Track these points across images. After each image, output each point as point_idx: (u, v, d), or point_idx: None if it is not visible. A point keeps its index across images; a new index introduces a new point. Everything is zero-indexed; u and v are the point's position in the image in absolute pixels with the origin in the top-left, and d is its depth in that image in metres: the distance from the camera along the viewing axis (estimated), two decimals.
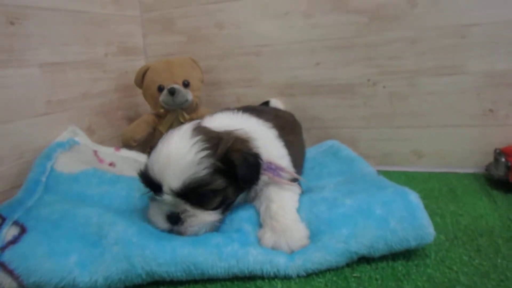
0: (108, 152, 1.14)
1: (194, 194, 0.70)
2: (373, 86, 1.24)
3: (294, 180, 0.84)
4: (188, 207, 0.71)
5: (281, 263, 0.66)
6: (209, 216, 0.73)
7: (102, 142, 1.26)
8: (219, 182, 0.71)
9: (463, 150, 1.18)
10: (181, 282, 0.68)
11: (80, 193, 0.90)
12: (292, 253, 0.69)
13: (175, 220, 0.72)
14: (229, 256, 0.66)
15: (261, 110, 1.03)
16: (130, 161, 1.14)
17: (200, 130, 0.74)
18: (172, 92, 1.20)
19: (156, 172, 0.70)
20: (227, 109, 0.93)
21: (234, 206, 0.80)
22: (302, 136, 1.15)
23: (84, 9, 1.24)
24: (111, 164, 1.11)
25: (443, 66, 1.15)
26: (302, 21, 1.28)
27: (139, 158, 1.16)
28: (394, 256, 0.71)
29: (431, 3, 1.13)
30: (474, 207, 0.90)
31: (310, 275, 0.68)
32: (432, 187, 1.04)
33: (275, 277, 0.67)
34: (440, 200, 0.96)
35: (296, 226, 0.72)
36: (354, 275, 0.68)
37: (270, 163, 0.79)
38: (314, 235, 0.72)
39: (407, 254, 0.72)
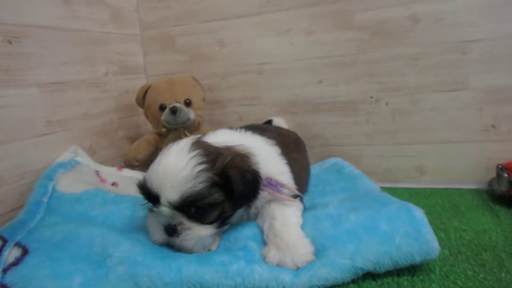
0: (110, 172, 1.16)
1: (191, 207, 0.73)
2: (375, 103, 1.29)
3: (296, 196, 0.86)
4: (184, 220, 0.73)
5: (286, 280, 0.68)
6: (204, 230, 0.75)
7: (103, 162, 1.28)
8: (216, 196, 0.73)
9: (465, 166, 1.22)
10: None
11: (83, 214, 0.92)
12: (297, 269, 0.71)
13: (171, 232, 0.74)
14: (235, 274, 0.68)
15: (264, 128, 1.07)
16: (133, 180, 1.09)
17: (199, 145, 0.77)
18: (174, 111, 1.23)
19: (154, 184, 0.72)
20: (229, 128, 0.97)
21: (236, 223, 0.82)
22: (306, 154, 1.18)
23: (84, 28, 1.28)
24: (113, 184, 1.13)
25: (445, 82, 1.20)
26: (304, 38, 1.34)
27: None
28: (399, 271, 0.74)
29: (433, 20, 1.18)
30: (477, 222, 0.94)
31: None
32: (435, 203, 1.08)
33: None
34: (444, 216, 0.99)
35: (301, 242, 0.74)
36: None
37: (270, 179, 0.81)
38: (319, 251, 0.74)
39: (412, 270, 0.75)
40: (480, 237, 0.87)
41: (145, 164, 1.32)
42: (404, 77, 1.24)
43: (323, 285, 0.70)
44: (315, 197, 1.02)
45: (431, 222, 0.77)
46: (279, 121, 1.36)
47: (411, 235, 0.73)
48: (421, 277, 0.73)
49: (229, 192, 0.75)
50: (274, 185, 0.82)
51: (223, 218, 0.78)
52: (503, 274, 0.72)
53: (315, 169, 1.22)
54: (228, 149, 0.79)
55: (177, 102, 1.27)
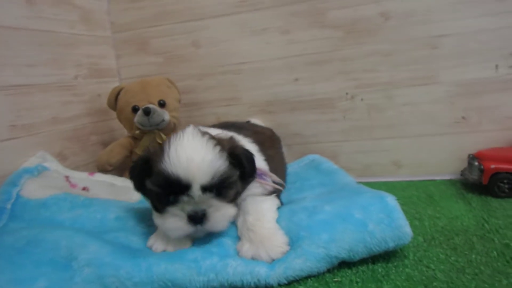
0: (81, 177, 1.15)
1: (219, 187, 0.76)
2: (351, 99, 1.35)
3: (274, 192, 0.91)
4: (214, 202, 0.76)
5: (261, 273, 0.70)
6: (231, 209, 0.79)
7: (75, 168, 1.26)
8: (235, 174, 0.79)
9: (439, 158, 1.30)
10: None
11: (49, 219, 0.92)
12: (272, 261, 0.74)
13: (199, 219, 0.75)
14: (208, 270, 0.70)
15: (240, 126, 1.11)
16: (106, 185, 1.15)
17: (201, 131, 0.81)
18: (147, 112, 1.23)
19: (182, 173, 0.73)
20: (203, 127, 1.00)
21: None
22: (281, 150, 1.24)
23: (51, 29, 1.26)
24: (84, 189, 1.12)
25: (417, 77, 1.28)
26: (279, 37, 1.39)
27: (115, 181, 1.18)
28: (374, 259, 0.79)
29: (404, 16, 1.26)
30: (450, 210, 1.01)
31: (291, 283, 0.73)
32: (411, 195, 1.15)
33: (256, 287, 0.71)
34: (419, 206, 1.06)
35: (274, 234, 0.78)
36: (335, 279, 0.74)
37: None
38: (294, 242, 0.77)
39: (386, 256, 0.80)
40: (452, 223, 0.93)
41: (119, 168, 1.34)
42: (378, 73, 1.32)
43: (298, 275, 0.72)
44: (292, 193, 1.06)
45: (406, 212, 0.82)
46: (256, 122, 1.40)
47: (384, 221, 0.78)
48: (395, 263, 0.78)
49: (237, 171, 0.81)
50: (260, 174, 0.88)
51: (238, 197, 0.83)
52: (474, 256, 0.78)
53: (294, 166, 1.28)
54: (220, 136, 0.84)
55: (150, 103, 1.28)
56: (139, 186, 0.82)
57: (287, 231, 0.80)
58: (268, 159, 0.97)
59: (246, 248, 0.76)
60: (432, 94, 1.28)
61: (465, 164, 1.20)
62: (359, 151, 1.37)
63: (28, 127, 1.16)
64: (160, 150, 0.78)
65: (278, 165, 1.07)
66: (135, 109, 1.28)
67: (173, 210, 0.76)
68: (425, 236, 0.88)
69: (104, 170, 1.28)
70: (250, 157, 0.84)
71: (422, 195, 1.14)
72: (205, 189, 0.75)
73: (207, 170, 0.74)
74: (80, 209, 0.95)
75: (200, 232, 0.78)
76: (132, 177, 0.84)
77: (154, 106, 1.27)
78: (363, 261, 0.77)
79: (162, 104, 1.30)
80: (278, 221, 0.83)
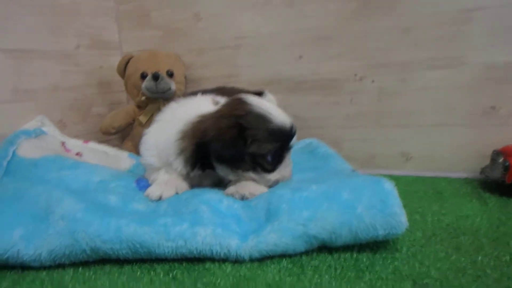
0: (76, 144, 1.26)
1: None
2: (360, 81, 1.28)
3: None
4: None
5: (232, 245, 0.71)
6: None
7: (75, 137, 1.32)
8: None
9: (456, 152, 1.20)
10: (128, 261, 0.74)
11: (39, 177, 0.99)
12: (252, 197, 0.83)
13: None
14: (177, 237, 0.72)
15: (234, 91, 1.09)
16: (99, 152, 1.26)
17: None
18: (156, 77, 1.34)
19: (290, 122, 0.89)
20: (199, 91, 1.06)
21: (206, 185, 0.95)
22: None
23: None
24: (77, 154, 1.23)
25: (439, 57, 1.18)
26: (283, 10, 1.34)
27: (108, 150, 1.29)
28: (360, 247, 0.73)
29: None
30: (460, 208, 0.93)
31: (263, 261, 0.71)
32: (417, 189, 1.07)
33: (226, 258, 0.72)
34: (424, 200, 0.98)
35: (259, 186, 0.87)
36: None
37: None
38: (272, 215, 0.75)
39: (375, 247, 0.74)
40: (460, 222, 0.86)
41: (121, 136, 1.45)
42: (393, 52, 1.23)
43: (272, 250, 0.72)
44: None
45: (407, 206, 0.76)
46: (271, 98, 1.35)
47: (376, 206, 0.72)
48: (384, 255, 0.72)
49: None
50: None
51: None
52: (480, 257, 0.71)
53: None
54: None
55: (159, 71, 1.37)
56: (239, 156, 0.86)
57: (267, 202, 0.80)
58: None
59: (231, 188, 0.87)
60: (456, 78, 1.18)
61: (486, 162, 1.10)
62: (364, 139, 1.30)
63: (29, 92, 1.25)
64: (254, 115, 0.86)
65: None
66: (143, 76, 1.38)
67: (286, 159, 0.91)
68: (425, 232, 0.82)
69: (107, 133, 1.43)
70: None
71: (429, 190, 1.07)
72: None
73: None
74: (67, 171, 1.02)
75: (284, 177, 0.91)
76: (228, 148, 0.85)
77: (162, 74, 1.38)
78: (347, 249, 0.74)
79: (170, 75, 1.41)
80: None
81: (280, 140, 0.87)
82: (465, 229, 0.82)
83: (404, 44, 1.22)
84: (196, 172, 0.90)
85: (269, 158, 0.87)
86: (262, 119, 0.85)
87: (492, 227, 0.83)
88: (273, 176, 0.89)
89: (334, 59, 1.30)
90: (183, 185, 0.92)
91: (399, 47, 1.22)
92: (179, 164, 0.90)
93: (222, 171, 0.89)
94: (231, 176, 0.89)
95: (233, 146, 0.84)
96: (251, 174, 0.87)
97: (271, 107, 0.88)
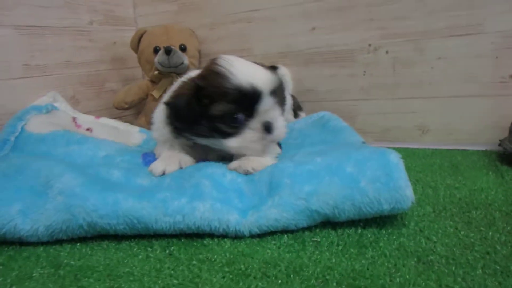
0: (87, 120, 1.27)
1: (277, 95, 0.84)
2: (374, 51, 1.24)
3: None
4: (275, 112, 0.83)
5: (231, 220, 0.70)
6: (284, 120, 0.85)
7: (87, 113, 1.34)
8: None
9: (474, 124, 1.16)
10: (126, 237, 0.72)
11: (46, 152, 1.01)
12: (254, 172, 0.80)
13: (270, 127, 0.81)
14: (175, 212, 0.71)
15: None
16: (109, 127, 1.26)
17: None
18: (168, 50, 1.34)
19: (255, 80, 0.79)
20: None
21: (210, 159, 0.91)
22: None
23: None
24: (88, 129, 1.23)
25: (457, 25, 1.14)
26: None
27: (119, 125, 1.29)
28: (365, 223, 0.72)
29: None
30: (475, 181, 0.90)
31: (264, 237, 0.70)
32: (433, 162, 1.04)
33: (225, 234, 0.70)
34: (438, 174, 0.95)
35: (264, 159, 0.84)
36: (314, 239, 0.68)
37: None
38: (273, 189, 0.74)
39: (381, 222, 0.72)
40: (474, 195, 0.83)
41: (135, 108, 1.52)
42: (409, 21, 1.19)
43: (272, 226, 0.70)
44: (290, 149, 0.98)
45: (420, 180, 0.74)
46: (285, 72, 1.34)
47: (380, 179, 0.70)
48: (389, 230, 0.70)
49: None
50: None
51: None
52: (491, 233, 0.68)
53: (301, 123, 1.20)
54: None
55: (172, 46, 1.37)
56: (193, 118, 0.82)
57: (270, 176, 0.77)
58: None
59: (234, 162, 0.83)
60: (475, 47, 1.13)
61: (505, 133, 1.06)
62: (379, 112, 1.26)
63: (42, 67, 1.25)
64: (213, 74, 0.80)
65: None
66: (156, 50, 1.39)
67: (250, 124, 0.81)
68: (436, 207, 0.79)
69: (120, 108, 1.44)
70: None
71: (445, 163, 1.03)
72: (272, 94, 0.81)
73: (271, 76, 0.82)
74: (75, 145, 1.04)
75: (272, 140, 0.84)
76: (182, 110, 0.83)
77: (175, 48, 1.38)
78: (352, 224, 0.72)
79: (183, 49, 1.41)
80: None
81: (239, 101, 0.79)
82: (478, 203, 0.79)
83: (420, 12, 1.17)
84: (188, 142, 0.88)
85: (228, 120, 0.80)
86: (220, 78, 0.79)
87: (508, 201, 0.79)
88: (233, 143, 0.82)
89: (348, 30, 1.26)
90: (186, 159, 0.90)
91: (415, 15, 1.17)
92: (166, 132, 0.88)
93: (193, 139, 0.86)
94: (212, 145, 0.86)
95: (186, 106, 0.81)
96: (210, 141, 0.84)
97: (241, 66, 0.80)
